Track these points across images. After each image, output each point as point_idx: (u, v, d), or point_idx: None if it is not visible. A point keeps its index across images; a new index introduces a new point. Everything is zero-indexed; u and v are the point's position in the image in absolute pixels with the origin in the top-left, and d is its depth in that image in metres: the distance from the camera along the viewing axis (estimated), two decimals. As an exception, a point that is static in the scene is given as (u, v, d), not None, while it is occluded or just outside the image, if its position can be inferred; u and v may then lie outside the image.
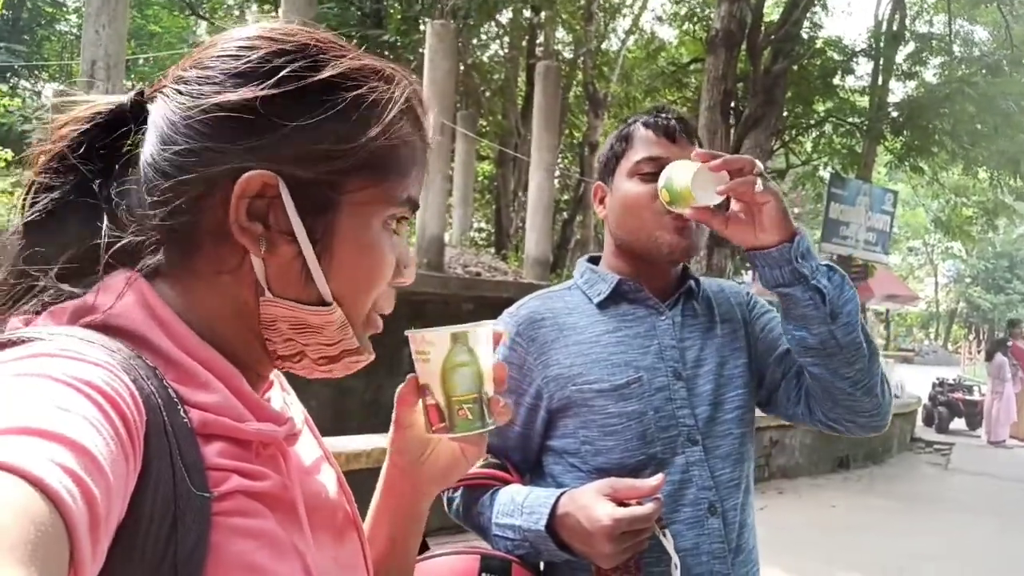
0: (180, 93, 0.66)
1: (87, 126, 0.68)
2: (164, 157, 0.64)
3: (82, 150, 0.67)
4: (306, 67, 0.65)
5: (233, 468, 0.61)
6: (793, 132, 11.92)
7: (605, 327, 1.38)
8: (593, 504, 1.15)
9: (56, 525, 0.42)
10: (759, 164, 1.20)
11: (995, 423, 11.83)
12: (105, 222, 0.65)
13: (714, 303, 1.46)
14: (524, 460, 1.40)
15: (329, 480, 0.78)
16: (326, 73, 0.65)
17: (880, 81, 11.43)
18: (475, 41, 14.10)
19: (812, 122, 11.93)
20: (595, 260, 1.52)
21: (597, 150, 14.40)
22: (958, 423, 12.88)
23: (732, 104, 9.23)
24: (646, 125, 1.41)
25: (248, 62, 0.65)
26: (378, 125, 0.66)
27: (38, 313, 0.63)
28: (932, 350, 35.74)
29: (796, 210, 23.31)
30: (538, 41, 14.18)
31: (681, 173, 1.22)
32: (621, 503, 1.15)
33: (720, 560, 1.28)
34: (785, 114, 10.52)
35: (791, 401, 1.38)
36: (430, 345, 0.76)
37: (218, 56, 0.67)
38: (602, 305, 1.40)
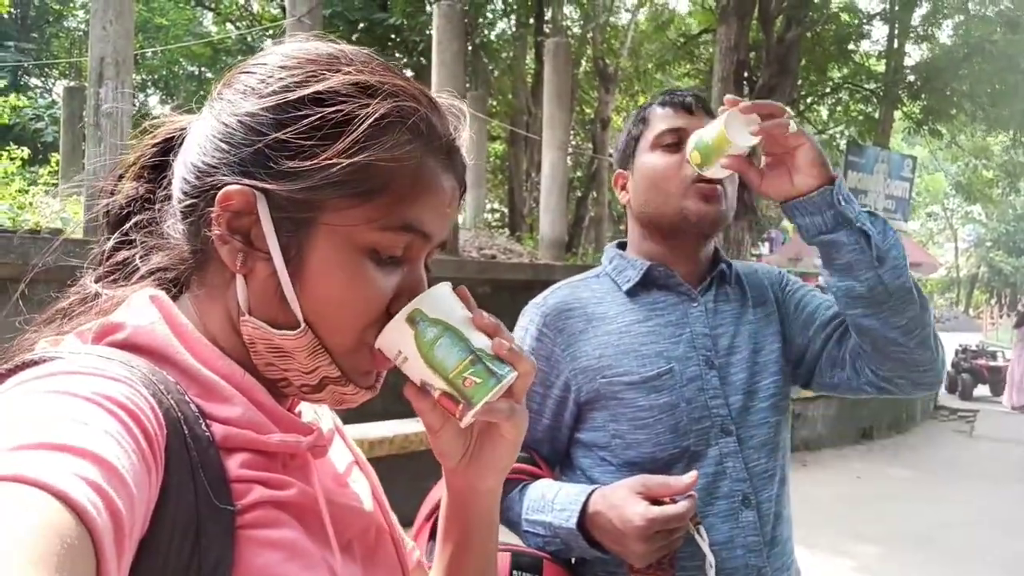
0: (209, 109, 0.68)
1: (161, 140, 0.73)
2: (183, 174, 0.67)
3: (154, 164, 0.73)
4: (296, 82, 0.64)
5: (256, 479, 0.61)
6: (808, 100, 11.74)
7: (635, 316, 1.34)
8: (625, 503, 1.12)
9: (82, 538, 0.43)
10: (788, 109, 1.16)
11: (1018, 389, 11.70)
12: (139, 237, 0.71)
13: (747, 286, 1.42)
14: (553, 453, 1.37)
15: (362, 490, 0.77)
16: (311, 88, 0.64)
17: (896, 45, 11.24)
18: (481, 20, 13.98)
19: (827, 90, 11.75)
20: (622, 246, 1.47)
21: (609, 126, 14.34)
22: (982, 389, 12.79)
23: (745, 74, 9.09)
24: (662, 104, 1.39)
25: (256, 77, 0.66)
26: (344, 140, 0.62)
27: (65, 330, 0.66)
28: (953, 316, 35.41)
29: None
30: (546, 18, 14.03)
31: (710, 128, 1.20)
32: (654, 501, 1.12)
33: (755, 553, 1.25)
34: (800, 82, 10.35)
35: (836, 367, 1.32)
36: (396, 343, 0.68)
37: (241, 72, 0.68)
38: (632, 292, 1.36)
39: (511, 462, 0.76)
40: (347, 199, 0.63)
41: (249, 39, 15.50)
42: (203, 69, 17.56)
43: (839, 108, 12.00)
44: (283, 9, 14.71)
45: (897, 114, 11.89)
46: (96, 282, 0.72)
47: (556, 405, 1.33)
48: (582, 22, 15.28)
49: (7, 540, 0.40)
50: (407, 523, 0.95)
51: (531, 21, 14.34)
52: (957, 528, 5.49)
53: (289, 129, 0.63)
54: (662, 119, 1.36)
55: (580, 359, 1.30)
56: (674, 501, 1.12)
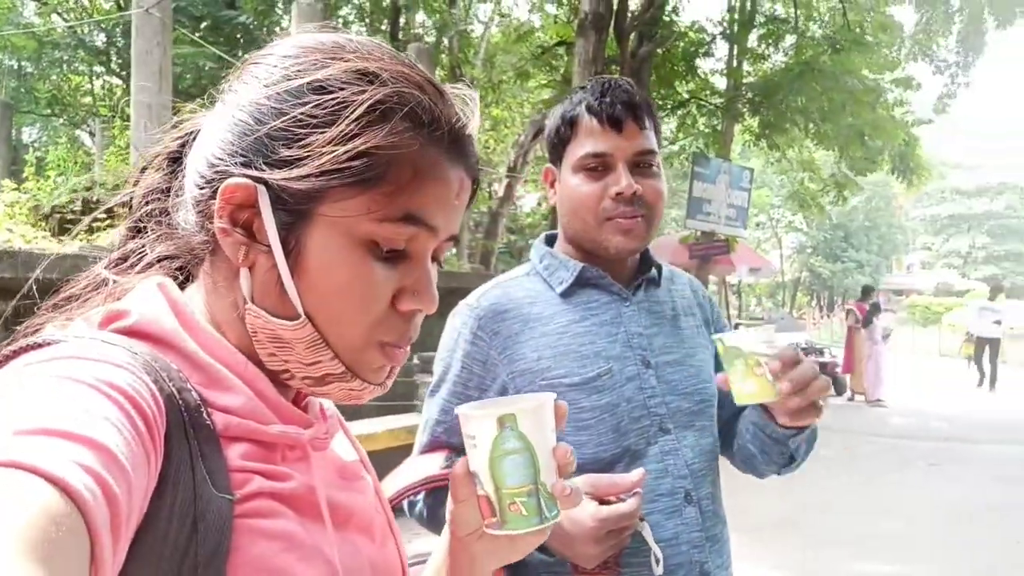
0: (221, 102, 0.68)
1: (184, 133, 0.73)
2: (196, 167, 0.67)
3: (174, 156, 0.73)
4: (297, 70, 0.64)
5: (256, 470, 0.62)
6: (660, 114, 12.30)
7: (571, 316, 1.32)
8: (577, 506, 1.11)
9: (76, 523, 0.43)
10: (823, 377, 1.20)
11: (872, 384, 12.66)
12: (151, 226, 0.72)
13: (676, 293, 1.44)
14: None
15: (364, 485, 0.77)
16: (311, 76, 0.63)
17: (735, 63, 12.01)
18: (335, 22, 13.65)
19: (676, 103, 12.38)
20: (551, 240, 1.46)
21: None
22: (812, 385, 13.80)
23: (602, 86, 9.40)
24: (590, 111, 1.31)
25: (262, 67, 0.66)
26: (338, 126, 0.61)
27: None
28: (780, 317, 38.21)
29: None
30: (400, 23, 13.91)
31: (751, 385, 1.16)
32: (602, 501, 1.11)
33: (698, 548, 1.26)
34: (652, 96, 10.83)
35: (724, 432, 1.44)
36: (477, 431, 0.68)
37: (251, 62, 0.68)
38: (565, 293, 1.35)
39: (518, 557, 0.77)
40: (345, 189, 0.62)
41: (80, 31, 14.35)
42: (24, 63, 16.05)
43: (687, 121, 12.67)
44: (117, 3, 13.75)
45: (737, 128, 12.72)
46: (107, 268, 0.72)
47: None
48: (436, 31, 15.28)
49: (0, 526, 0.40)
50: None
51: (384, 27, 14.18)
52: (808, 511, 5.91)
53: (287, 117, 0.62)
54: (588, 135, 1.31)
55: (518, 361, 1.28)
56: (621, 499, 1.11)
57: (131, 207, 0.74)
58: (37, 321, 0.67)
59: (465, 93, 0.70)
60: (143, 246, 0.72)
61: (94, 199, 8.85)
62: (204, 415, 0.59)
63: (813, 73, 10.08)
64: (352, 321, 0.64)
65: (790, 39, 11.51)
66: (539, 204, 24.45)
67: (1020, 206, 44.09)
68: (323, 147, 0.61)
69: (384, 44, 0.68)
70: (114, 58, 14.60)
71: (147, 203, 0.73)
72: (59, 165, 9.78)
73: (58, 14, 15.31)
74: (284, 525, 0.61)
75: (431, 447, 1.36)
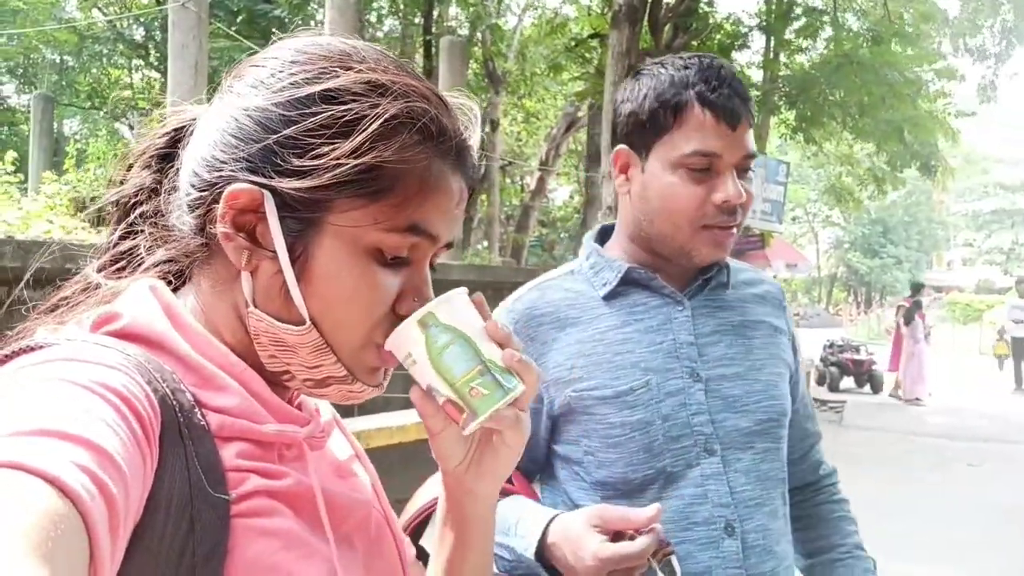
0: (219, 101, 0.68)
1: (171, 129, 0.73)
2: (192, 167, 0.67)
3: (163, 154, 0.73)
4: (307, 78, 0.64)
5: (252, 469, 0.62)
6: (694, 106, 12.18)
7: (610, 321, 1.22)
8: (580, 538, 1.02)
9: (75, 523, 0.43)
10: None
11: (912, 382, 12.45)
12: (146, 228, 0.71)
13: (750, 296, 1.28)
14: (531, 464, 1.28)
15: (362, 483, 0.78)
16: (322, 85, 0.63)
17: (772, 55, 11.82)
18: (370, 18, 13.72)
19: (711, 96, 12.21)
20: (606, 233, 1.34)
21: (498, 128, 14.36)
22: (847, 382, 13.65)
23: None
24: (703, 102, 1.14)
25: (267, 71, 0.66)
26: (352, 140, 0.62)
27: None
28: (816, 313, 37.68)
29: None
30: (433, 16, 13.93)
31: None
32: (616, 534, 1.02)
33: None
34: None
35: None
36: (406, 346, 0.67)
37: (252, 64, 0.68)
38: (609, 296, 1.24)
39: (509, 470, 0.76)
40: (354, 199, 0.63)
41: (119, 26, 14.58)
42: (66, 57, 16.37)
43: (723, 114, 12.50)
44: (156, -4, 13.96)
45: (773, 121, 12.52)
46: (99, 271, 0.72)
47: (530, 416, 1.24)
48: (469, 24, 15.27)
49: (1, 527, 0.40)
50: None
51: (418, 20, 14.20)
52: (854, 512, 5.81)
53: (298, 126, 0.62)
54: (698, 131, 1.14)
55: (552, 370, 1.21)
56: (634, 536, 1.02)
57: (117, 206, 0.74)
58: (29, 325, 0.68)
59: (465, 104, 0.72)
60: (136, 248, 0.72)
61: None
62: (198, 416, 0.60)
63: (852, 66, 9.87)
64: (355, 325, 0.66)
65: (828, 31, 11.27)
66: (571, 197, 24.35)
67: (1067, 201, 42.96)
68: (335, 159, 0.62)
69: (387, 51, 0.69)
70: (152, 52, 14.83)
71: (137, 202, 0.72)
72: (99, 157, 9.96)
73: (98, 8, 15.58)
74: (281, 523, 0.62)
75: None
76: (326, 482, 0.69)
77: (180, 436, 0.57)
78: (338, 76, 0.64)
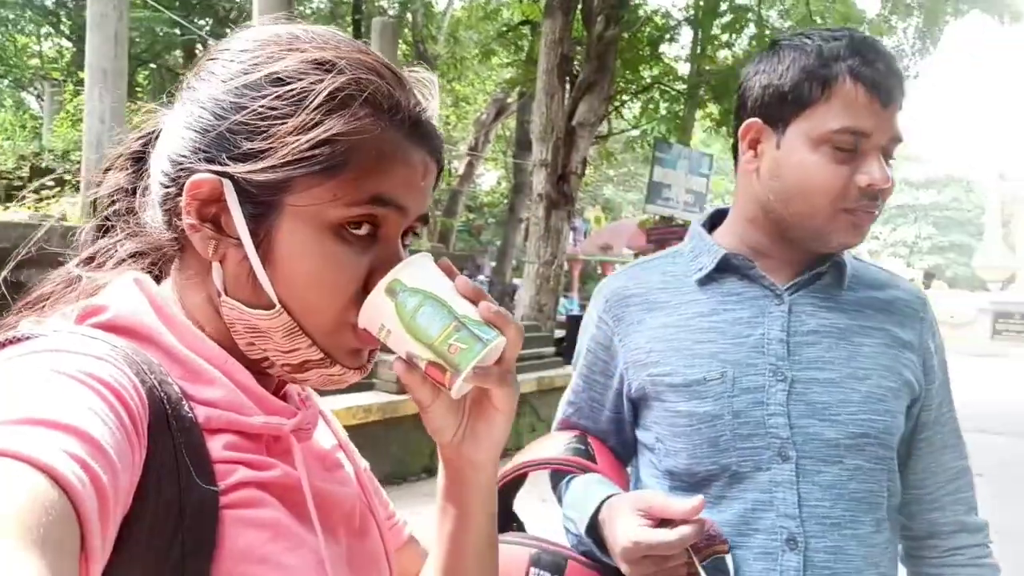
0: (180, 98, 0.69)
1: (145, 133, 0.74)
2: (159, 165, 0.68)
3: (137, 155, 0.74)
4: (254, 64, 0.65)
5: (240, 460, 0.62)
6: (624, 98, 12.33)
7: (700, 308, 1.16)
8: (621, 519, 1.02)
9: (67, 511, 0.43)
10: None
11: None
12: (119, 225, 0.73)
13: (875, 300, 1.17)
14: (621, 445, 1.28)
15: (346, 474, 0.78)
16: (268, 69, 0.64)
17: (699, 50, 12.09)
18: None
19: (640, 88, 12.42)
20: (719, 216, 1.26)
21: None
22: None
23: (568, 69, 9.38)
24: (856, 76, 1.05)
25: (219, 63, 0.67)
26: (298, 116, 0.62)
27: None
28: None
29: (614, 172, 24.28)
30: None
31: None
32: (664, 521, 0.98)
33: None
34: (616, 80, 10.85)
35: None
36: (378, 317, 0.66)
37: (208, 58, 0.69)
38: (704, 281, 1.18)
39: (505, 435, 0.74)
40: (310, 178, 0.63)
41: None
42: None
43: (650, 106, 12.73)
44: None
45: (699, 114, 12.81)
46: (77, 267, 0.72)
47: (615, 397, 1.24)
48: (399, 3, 15.07)
49: None
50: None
51: (348, -1, 13.95)
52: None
53: (247, 111, 0.63)
54: (848, 107, 1.05)
55: (633, 351, 1.18)
56: (673, 526, 0.98)
57: (95, 208, 0.76)
58: (11, 319, 0.67)
59: (424, 77, 0.71)
60: (112, 245, 0.73)
61: (42, 165, 8.58)
62: (186, 408, 0.60)
63: (775, 63, 10.17)
64: (326, 306, 0.65)
65: (752, 28, 11.59)
66: (498, 183, 24.35)
67: (964, 198, 45.33)
68: (285, 138, 0.62)
69: (340, 32, 0.69)
70: (64, 20, 14.10)
71: (113, 203, 0.74)
72: (5, 129, 9.45)
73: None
74: (269, 514, 0.62)
75: (561, 426, 1.34)
76: (313, 474, 0.69)
77: (168, 428, 0.57)
78: (284, 58, 0.64)
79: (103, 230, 0.75)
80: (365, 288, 0.66)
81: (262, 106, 0.63)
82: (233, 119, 0.63)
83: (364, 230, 0.65)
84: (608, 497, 1.09)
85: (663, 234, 11.81)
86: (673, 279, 1.21)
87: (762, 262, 1.16)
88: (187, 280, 0.68)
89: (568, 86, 9.44)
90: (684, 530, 0.96)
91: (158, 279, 0.71)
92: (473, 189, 21.07)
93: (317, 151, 0.62)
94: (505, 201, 23.06)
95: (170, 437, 0.57)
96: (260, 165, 0.62)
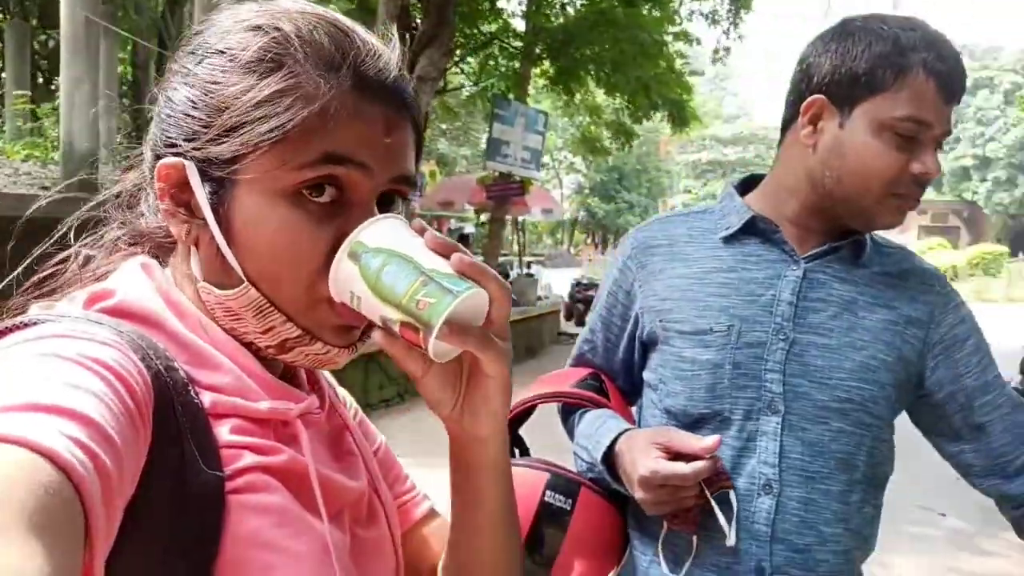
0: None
1: None
2: (147, 161, 0.69)
3: None
4: (204, 41, 0.66)
5: (246, 445, 0.62)
6: (462, 53, 12.28)
7: (718, 264, 1.23)
8: (640, 451, 1.11)
9: (69, 496, 0.43)
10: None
11: None
12: (115, 215, 0.74)
13: (890, 279, 1.22)
14: (630, 385, 1.37)
15: (355, 461, 0.77)
16: (212, 45, 0.65)
17: (535, 7, 12.22)
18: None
19: (479, 43, 12.41)
20: (751, 181, 1.33)
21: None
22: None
23: (408, 21, 9.21)
24: (929, 71, 1.10)
25: (182, 51, 0.68)
26: (232, 83, 0.62)
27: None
28: (559, 254, 40.27)
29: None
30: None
31: None
32: (678, 455, 1.08)
33: (758, 542, 1.15)
34: (456, 34, 10.78)
35: (945, 436, 1.24)
36: (346, 284, 0.62)
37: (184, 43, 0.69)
38: (728, 239, 1.24)
39: (503, 405, 0.69)
40: (258, 146, 0.61)
41: None
42: None
43: (489, 62, 12.76)
44: None
45: (535, 71, 13.02)
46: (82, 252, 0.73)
47: (629, 339, 1.32)
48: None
49: None
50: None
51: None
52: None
53: (192, 89, 0.64)
54: (917, 97, 1.09)
55: (650, 297, 1.27)
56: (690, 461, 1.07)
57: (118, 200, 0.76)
58: (18, 301, 0.67)
59: (378, 29, 0.69)
60: (107, 233, 0.74)
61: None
62: (192, 393, 0.60)
63: (607, 24, 10.53)
64: (291, 278, 0.63)
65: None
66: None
67: (767, 156, 49.24)
68: (223, 107, 0.62)
69: (298, 2, 0.67)
70: None
71: (118, 195, 0.75)
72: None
73: None
74: (275, 499, 0.62)
75: (576, 362, 1.43)
76: (321, 460, 0.68)
77: (174, 413, 0.57)
78: (228, 31, 0.65)
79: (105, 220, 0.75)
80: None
81: (204, 80, 0.63)
82: (183, 101, 0.64)
83: (327, 196, 0.63)
84: (626, 430, 1.20)
85: (503, 190, 12.00)
86: (699, 234, 1.27)
87: (787, 229, 1.22)
88: (176, 268, 0.69)
89: (408, 39, 9.28)
90: (699, 465, 1.06)
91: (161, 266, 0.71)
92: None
93: (258, 115, 0.61)
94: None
95: (176, 422, 0.57)
96: (205, 139, 0.62)
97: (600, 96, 14.70)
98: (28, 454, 0.42)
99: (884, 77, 1.10)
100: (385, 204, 0.67)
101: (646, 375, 1.31)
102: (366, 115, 0.63)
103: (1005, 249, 35.31)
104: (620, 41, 10.51)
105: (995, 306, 23.49)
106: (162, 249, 0.72)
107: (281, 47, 0.62)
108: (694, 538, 1.16)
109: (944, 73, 1.09)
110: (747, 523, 1.15)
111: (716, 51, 13.62)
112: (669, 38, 12.77)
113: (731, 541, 1.11)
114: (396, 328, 0.61)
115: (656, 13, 11.87)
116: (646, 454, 1.10)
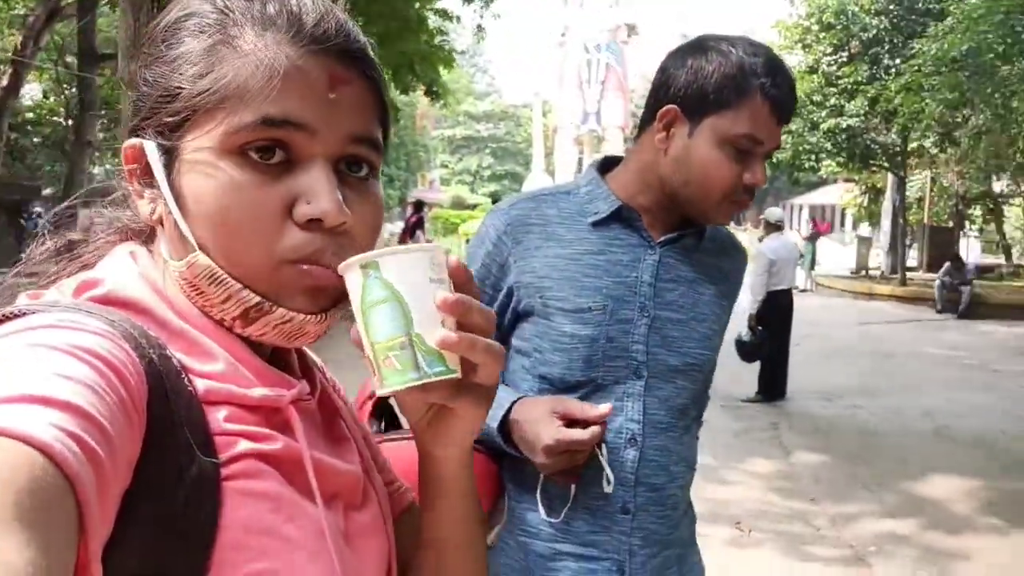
0: None
1: None
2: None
3: None
4: (155, 23, 0.66)
5: (240, 432, 0.61)
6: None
7: (590, 247, 1.37)
8: (541, 421, 1.23)
9: (62, 487, 0.43)
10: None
11: None
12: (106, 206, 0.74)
13: (717, 262, 1.46)
14: None
15: (349, 445, 0.77)
16: (164, 22, 0.66)
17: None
18: None
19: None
20: (608, 164, 1.47)
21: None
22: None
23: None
24: (766, 95, 1.28)
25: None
26: (163, 51, 0.64)
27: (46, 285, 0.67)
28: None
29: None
30: None
31: None
32: (569, 423, 1.22)
33: (624, 487, 1.34)
34: None
35: None
36: (348, 282, 0.61)
37: None
38: (596, 224, 1.38)
39: (466, 444, 0.71)
40: (196, 112, 0.62)
41: None
42: None
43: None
44: None
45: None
46: (71, 241, 0.73)
47: (500, 308, 1.40)
48: None
49: None
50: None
51: None
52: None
53: (147, 68, 0.65)
54: (753, 116, 1.28)
55: (527, 274, 1.36)
56: (585, 427, 1.22)
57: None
58: (4, 290, 0.66)
59: None
60: (107, 222, 0.74)
61: None
62: (185, 381, 0.59)
63: (379, -1, 10.42)
64: (245, 241, 0.62)
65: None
66: (46, 97, 20.86)
67: (516, 132, 51.26)
68: (168, 74, 0.63)
69: None
70: None
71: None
72: None
73: None
74: (271, 486, 0.62)
75: None
76: (314, 445, 0.68)
77: (167, 401, 0.57)
78: (178, 7, 0.65)
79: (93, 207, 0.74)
80: (291, 218, 0.62)
81: (155, 56, 0.64)
82: (142, 79, 0.65)
83: (277, 157, 0.62)
84: (519, 399, 1.31)
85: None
86: (568, 216, 1.40)
87: (644, 217, 1.39)
88: (159, 254, 0.68)
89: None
90: (596, 429, 1.22)
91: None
92: (16, 104, 17.85)
93: (190, 73, 0.62)
94: (54, 119, 20.01)
95: (170, 410, 0.56)
96: (158, 113, 0.63)
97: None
98: (20, 446, 0.42)
99: (728, 97, 1.28)
100: (352, 170, 0.66)
101: (516, 342, 1.41)
102: (306, 72, 0.61)
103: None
104: (384, 16, 10.44)
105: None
106: (152, 237, 0.71)
107: (220, 11, 0.63)
108: (573, 487, 1.32)
109: (778, 98, 1.28)
110: (616, 472, 1.32)
111: (479, 27, 13.96)
112: (430, 14, 12.91)
113: (610, 488, 1.30)
114: (367, 351, 0.61)
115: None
116: (548, 424, 1.22)
